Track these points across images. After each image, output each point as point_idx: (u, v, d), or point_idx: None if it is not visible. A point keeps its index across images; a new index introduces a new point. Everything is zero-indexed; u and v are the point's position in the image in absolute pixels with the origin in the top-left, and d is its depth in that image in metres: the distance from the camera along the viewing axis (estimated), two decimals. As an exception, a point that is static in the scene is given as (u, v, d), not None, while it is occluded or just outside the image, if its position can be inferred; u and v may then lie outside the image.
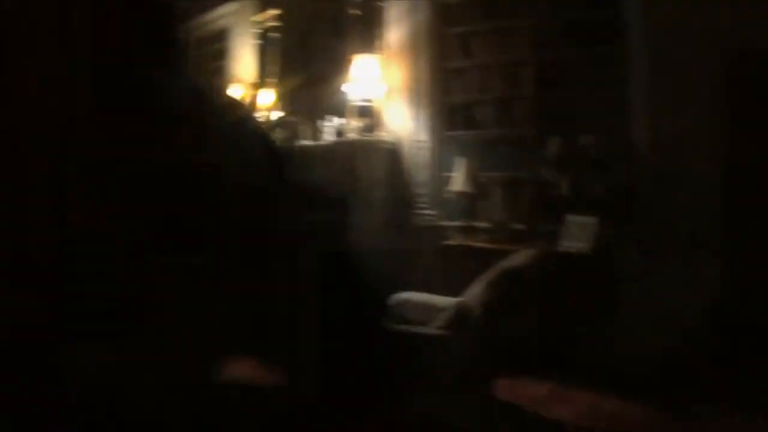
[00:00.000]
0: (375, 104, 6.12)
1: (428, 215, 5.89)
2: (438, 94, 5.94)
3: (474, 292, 3.67)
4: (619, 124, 4.90)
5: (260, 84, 7.55)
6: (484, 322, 3.37)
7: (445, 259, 5.34)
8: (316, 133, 6.61)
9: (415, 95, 6.03)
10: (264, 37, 7.64)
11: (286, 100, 7.29)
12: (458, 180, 5.36)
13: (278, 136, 6.97)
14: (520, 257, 3.65)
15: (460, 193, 5.39)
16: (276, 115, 7.25)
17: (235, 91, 7.50)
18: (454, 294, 4.20)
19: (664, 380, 4.30)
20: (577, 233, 4.72)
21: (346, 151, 6.05)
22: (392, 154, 6.12)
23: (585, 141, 4.85)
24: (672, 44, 4.69)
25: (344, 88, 6.10)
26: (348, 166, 5.96)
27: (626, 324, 4.51)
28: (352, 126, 6.14)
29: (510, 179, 5.48)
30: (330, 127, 6.42)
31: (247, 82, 7.78)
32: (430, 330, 3.54)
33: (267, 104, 7.34)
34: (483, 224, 5.46)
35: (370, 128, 6.01)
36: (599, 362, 4.31)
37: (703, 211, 4.57)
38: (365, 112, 5.93)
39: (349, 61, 6.11)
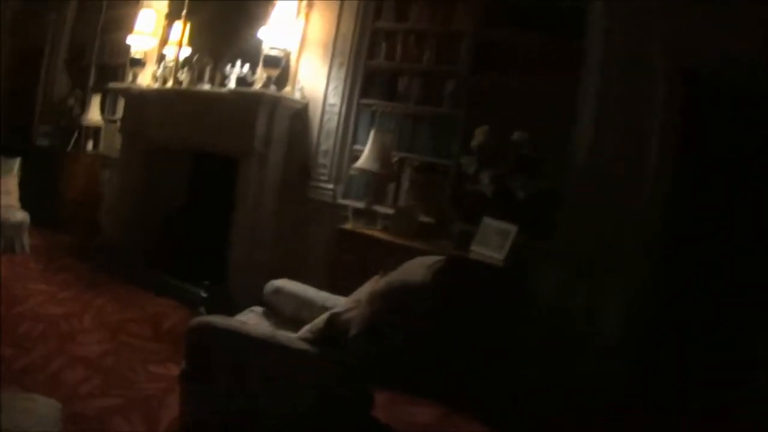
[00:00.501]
0: (289, 56, 5.33)
1: (326, 189, 5.20)
2: (360, 55, 5.20)
3: (357, 300, 2.97)
4: (559, 124, 4.32)
5: (173, 15, 6.59)
6: (359, 342, 2.69)
7: (337, 245, 4.59)
8: (221, 78, 5.77)
9: (334, 52, 5.28)
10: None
11: (197, 37, 6.38)
12: (366, 155, 4.63)
13: (183, 77, 6.10)
14: (420, 270, 2.93)
15: (366, 171, 4.65)
16: (185, 52, 6.34)
17: (147, 18, 6.51)
18: (338, 290, 3.61)
19: (572, 413, 3.85)
20: (493, 240, 4.17)
21: (246, 103, 5.22)
22: (297, 113, 5.38)
23: (517, 137, 4.24)
24: (632, 43, 4.16)
25: (260, 33, 5.25)
26: (246, 120, 5.15)
27: (533, 347, 4.02)
28: (260, 76, 5.34)
29: (426, 164, 4.84)
30: (235, 75, 5.60)
31: (161, 11, 6.81)
32: (292, 343, 2.83)
33: (176, 39, 6.40)
34: (387, 210, 4.79)
35: (278, 81, 5.20)
36: (499, 388, 3.81)
37: (637, 228, 4.09)
38: (276, 63, 5.12)
39: (271, 4, 5.27)
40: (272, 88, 5.13)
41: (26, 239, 6.13)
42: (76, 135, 7.57)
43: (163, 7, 6.79)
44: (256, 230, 5.21)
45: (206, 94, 5.72)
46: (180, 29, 6.38)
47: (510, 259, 3.99)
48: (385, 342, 2.74)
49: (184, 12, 6.38)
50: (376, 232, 4.47)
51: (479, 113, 4.58)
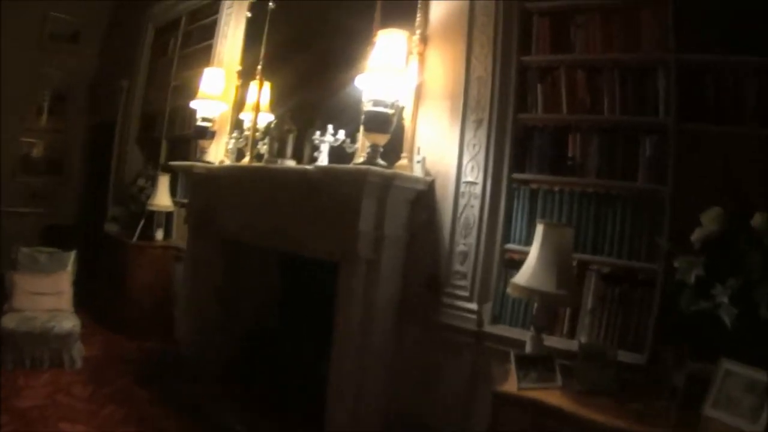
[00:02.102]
0: (401, 112, 3.78)
1: (467, 311, 3.53)
2: (506, 107, 3.55)
3: None
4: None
5: (248, 73, 5.23)
6: None
7: (493, 416, 2.82)
8: (311, 150, 4.29)
9: (466, 104, 3.65)
10: (258, 8, 5.31)
11: (278, 98, 4.98)
12: (533, 264, 2.94)
13: (264, 149, 4.67)
14: None
15: (532, 292, 2.94)
16: (265, 118, 4.92)
17: (216, 78, 5.17)
18: None
19: None
20: (739, 399, 2.57)
21: (343, 185, 3.61)
22: (419, 197, 3.76)
23: (761, 221, 2.55)
24: None
25: (358, 81, 3.71)
26: (348, 208, 3.58)
27: None
28: (362, 145, 3.80)
29: (619, 270, 3.14)
30: (328, 145, 4.10)
31: (234, 69, 5.49)
32: None
33: (254, 102, 5.01)
34: (562, 345, 3.12)
35: (388, 151, 3.62)
36: None
37: None
38: (382, 124, 3.55)
39: (370, 44, 3.77)
40: (379, 161, 3.55)
41: (77, 352, 5.05)
42: (142, 222, 6.30)
43: (235, 64, 5.48)
44: (363, 368, 3.58)
45: (286, 172, 4.18)
46: (256, 89, 4.99)
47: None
48: None
49: (259, 67, 4.99)
50: (554, 398, 2.68)
51: (693, 187, 2.90)
